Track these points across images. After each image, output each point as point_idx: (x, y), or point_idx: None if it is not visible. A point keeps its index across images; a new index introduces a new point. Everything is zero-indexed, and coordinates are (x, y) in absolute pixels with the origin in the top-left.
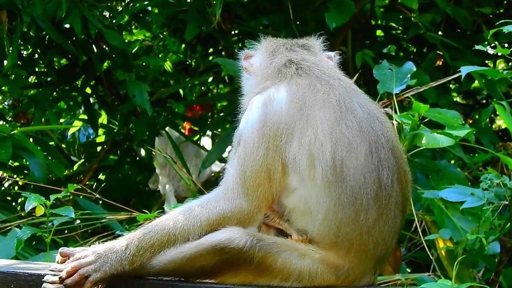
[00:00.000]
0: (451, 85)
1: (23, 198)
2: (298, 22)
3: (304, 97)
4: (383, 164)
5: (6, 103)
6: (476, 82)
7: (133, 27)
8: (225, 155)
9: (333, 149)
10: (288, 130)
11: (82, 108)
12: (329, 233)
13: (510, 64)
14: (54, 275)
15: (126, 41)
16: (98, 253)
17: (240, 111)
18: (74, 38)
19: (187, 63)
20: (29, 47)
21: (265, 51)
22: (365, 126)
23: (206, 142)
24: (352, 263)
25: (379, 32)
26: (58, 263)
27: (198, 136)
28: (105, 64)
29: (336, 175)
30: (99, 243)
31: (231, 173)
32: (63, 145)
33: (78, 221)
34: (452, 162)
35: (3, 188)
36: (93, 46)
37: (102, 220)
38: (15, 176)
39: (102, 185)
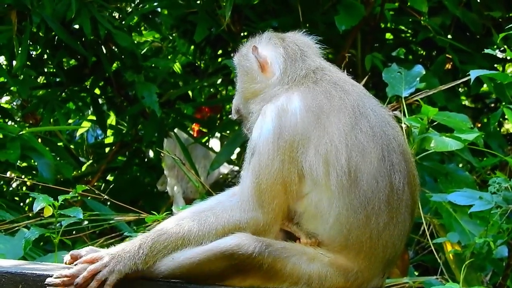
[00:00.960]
0: (460, 89)
1: (31, 199)
2: (307, 25)
3: (319, 105)
4: (395, 168)
5: (15, 103)
6: (485, 85)
7: (143, 28)
8: (233, 157)
9: (348, 155)
10: (304, 140)
11: (91, 109)
12: (339, 236)
13: None
14: (64, 280)
15: (136, 42)
16: (112, 254)
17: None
18: (83, 39)
19: (196, 64)
20: (38, 47)
21: (279, 49)
22: (378, 131)
23: (215, 144)
24: (361, 266)
25: (388, 35)
26: (66, 264)
27: (206, 137)
28: (114, 65)
29: (351, 180)
30: (107, 244)
31: (246, 183)
32: (72, 146)
33: (86, 222)
34: (461, 165)
35: (11, 189)
36: (102, 47)
37: (110, 221)
38: (23, 176)
39: (111, 186)
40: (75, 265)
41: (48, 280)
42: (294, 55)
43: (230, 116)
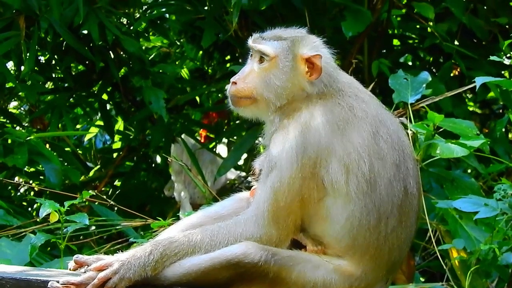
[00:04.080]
0: (467, 95)
1: (38, 204)
2: (315, 30)
3: (343, 117)
4: (409, 174)
5: (22, 108)
6: (492, 92)
7: (150, 33)
8: (240, 162)
9: (370, 162)
10: (328, 154)
11: (99, 114)
12: (347, 237)
13: None
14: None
15: (143, 47)
16: (121, 260)
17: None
18: (91, 44)
19: (204, 70)
20: (46, 52)
21: (330, 63)
22: (395, 137)
23: (222, 149)
24: (366, 267)
25: (395, 41)
26: (71, 270)
27: (214, 143)
28: (122, 70)
29: (370, 186)
30: (114, 249)
31: (262, 198)
32: (80, 151)
33: (93, 228)
34: (468, 171)
35: (18, 194)
36: (110, 52)
37: (117, 227)
38: (31, 181)
39: (118, 191)
40: (84, 272)
41: (53, 285)
42: (332, 68)
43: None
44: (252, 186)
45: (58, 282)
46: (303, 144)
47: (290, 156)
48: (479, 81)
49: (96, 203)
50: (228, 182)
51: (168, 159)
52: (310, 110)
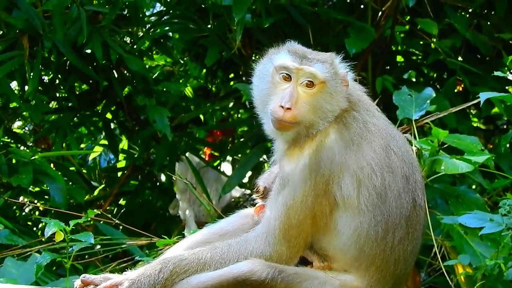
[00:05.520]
0: (471, 111)
1: (43, 224)
2: (318, 48)
3: (357, 133)
4: (418, 186)
5: (27, 128)
6: (496, 107)
7: (154, 52)
8: (245, 180)
9: (382, 176)
10: (340, 170)
11: (103, 133)
12: (354, 248)
13: None
14: None
15: (147, 66)
16: (131, 279)
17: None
18: (95, 64)
19: (208, 88)
20: (50, 72)
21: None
22: (404, 150)
23: (226, 167)
24: (372, 280)
25: (399, 58)
26: None
27: (218, 161)
28: (126, 89)
29: (381, 198)
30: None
31: (274, 215)
32: (84, 170)
33: (98, 246)
34: (473, 187)
35: (24, 214)
36: (114, 71)
37: (123, 245)
38: (35, 201)
39: (123, 210)
40: None
41: None
42: (351, 82)
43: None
44: (256, 203)
45: None
46: (316, 162)
47: (304, 174)
48: (483, 96)
49: (101, 222)
50: (233, 200)
51: (173, 178)
52: (326, 128)
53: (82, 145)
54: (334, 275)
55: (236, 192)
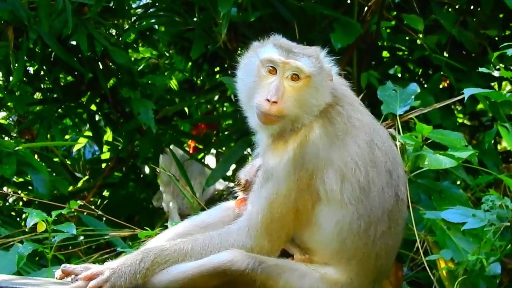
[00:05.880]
0: (456, 107)
1: (27, 214)
2: (304, 42)
3: (341, 128)
4: (400, 181)
5: (11, 119)
6: (481, 104)
7: (140, 45)
8: (229, 173)
9: (365, 169)
10: (324, 165)
11: (88, 125)
12: (335, 241)
13: None
14: None
15: (132, 59)
16: (112, 268)
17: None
18: (80, 55)
19: (193, 81)
20: (35, 63)
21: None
22: (387, 145)
23: (210, 160)
24: (352, 274)
25: (384, 53)
26: (57, 279)
27: (202, 154)
28: (111, 81)
29: (364, 192)
30: (102, 259)
31: (256, 208)
32: (68, 162)
33: (81, 237)
34: (457, 183)
35: (7, 204)
36: (99, 63)
37: (105, 237)
38: (19, 192)
39: (106, 202)
40: (71, 281)
41: None
42: (335, 77)
43: (226, 133)
44: (237, 196)
45: None
46: (301, 156)
47: (287, 168)
48: (467, 92)
49: (85, 214)
50: (216, 192)
51: (157, 170)
52: (310, 124)
53: (67, 137)
54: (314, 268)
55: (220, 185)
